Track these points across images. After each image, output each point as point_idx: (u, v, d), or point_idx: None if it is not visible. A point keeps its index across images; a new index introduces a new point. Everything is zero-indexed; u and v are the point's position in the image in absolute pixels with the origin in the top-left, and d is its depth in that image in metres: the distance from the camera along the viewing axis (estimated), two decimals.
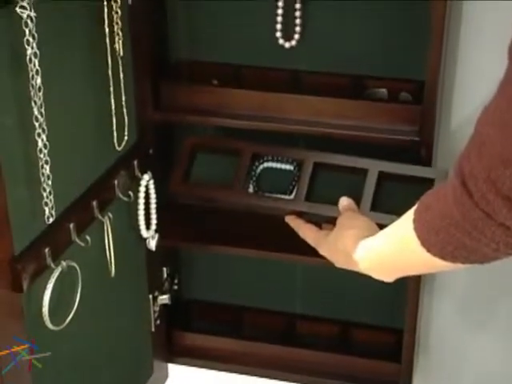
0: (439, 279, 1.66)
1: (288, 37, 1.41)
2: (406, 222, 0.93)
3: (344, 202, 1.28)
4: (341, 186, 1.33)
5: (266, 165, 1.40)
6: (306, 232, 1.31)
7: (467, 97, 1.47)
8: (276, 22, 1.41)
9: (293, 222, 1.34)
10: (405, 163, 1.33)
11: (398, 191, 1.32)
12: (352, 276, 1.38)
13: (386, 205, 1.29)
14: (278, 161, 1.39)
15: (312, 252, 1.29)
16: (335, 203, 1.29)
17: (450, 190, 0.83)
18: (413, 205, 0.93)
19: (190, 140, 1.41)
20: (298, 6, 1.39)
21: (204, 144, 1.42)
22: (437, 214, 0.86)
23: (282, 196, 1.36)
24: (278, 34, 1.42)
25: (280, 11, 1.40)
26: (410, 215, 0.93)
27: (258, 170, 1.40)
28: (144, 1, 1.31)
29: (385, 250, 1.05)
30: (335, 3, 1.39)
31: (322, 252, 1.27)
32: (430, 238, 0.89)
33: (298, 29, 1.41)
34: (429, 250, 0.90)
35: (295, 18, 1.40)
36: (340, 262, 1.20)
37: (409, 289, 1.46)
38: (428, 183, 1.28)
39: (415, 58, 1.38)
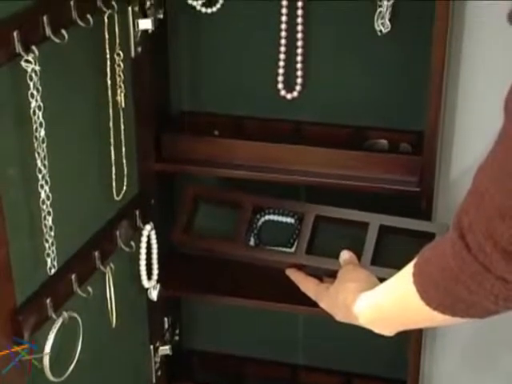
0: (441, 330, 1.65)
1: (290, 88, 1.43)
2: (405, 276, 0.93)
3: (345, 255, 1.28)
4: (342, 239, 1.33)
5: (267, 217, 1.41)
6: (307, 285, 1.31)
7: (467, 147, 1.48)
8: (278, 74, 1.42)
9: (293, 274, 1.34)
10: (405, 214, 1.33)
11: (399, 245, 1.32)
12: (354, 327, 1.38)
13: (387, 258, 1.29)
14: (279, 214, 1.40)
15: (313, 302, 1.29)
16: (336, 256, 1.29)
17: (448, 243, 0.83)
18: (413, 258, 0.93)
19: (190, 189, 1.42)
20: (299, 58, 1.41)
21: (205, 194, 1.43)
22: (436, 267, 0.87)
23: (283, 249, 1.37)
24: (280, 86, 1.43)
25: (281, 63, 1.41)
26: (409, 269, 0.93)
27: (260, 223, 1.40)
28: (146, 54, 1.33)
29: (385, 303, 1.05)
30: (336, 55, 1.41)
31: (322, 305, 1.26)
32: (430, 291, 0.89)
33: (299, 80, 1.42)
34: (428, 304, 0.90)
35: (296, 69, 1.42)
36: (340, 316, 1.20)
37: (411, 340, 1.45)
38: (429, 237, 1.28)
39: (415, 109, 1.39)
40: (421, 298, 0.90)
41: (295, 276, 1.33)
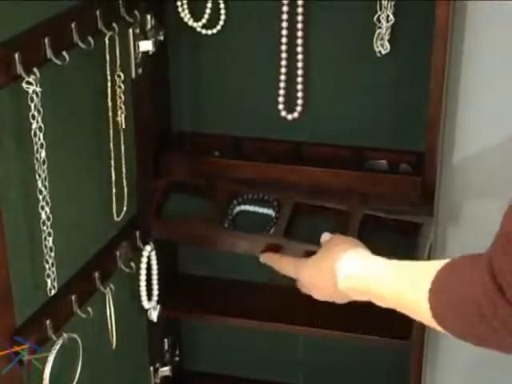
0: (442, 353, 1.65)
1: (290, 109, 1.43)
2: (419, 287, 0.91)
3: (326, 237, 1.22)
4: (322, 229, 1.27)
5: (242, 207, 1.36)
6: (284, 263, 1.24)
7: (467, 165, 1.49)
8: (278, 95, 1.43)
9: (268, 257, 1.28)
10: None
11: (382, 238, 1.28)
12: (355, 348, 1.38)
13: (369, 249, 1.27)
14: (255, 203, 1.34)
15: (313, 323, 1.28)
16: (317, 243, 1.23)
17: (478, 279, 0.81)
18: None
19: (164, 180, 1.39)
20: (299, 79, 1.41)
21: (179, 181, 1.39)
22: (460, 298, 0.84)
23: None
24: (281, 107, 1.44)
25: (282, 84, 1.42)
26: (425, 283, 0.90)
27: (235, 212, 1.36)
28: (147, 75, 1.33)
29: (381, 289, 1.02)
30: (336, 76, 1.41)
31: (302, 279, 1.20)
32: (447, 316, 0.87)
33: (299, 101, 1.43)
34: (440, 324, 0.88)
35: (297, 90, 1.42)
36: (321, 288, 1.14)
37: (411, 362, 1.44)
38: (413, 232, 1.26)
39: (414, 129, 1.40)
40: (433, 316, 0.89)
41: (270, 258, 1.27)
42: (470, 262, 0.86)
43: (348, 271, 1.08)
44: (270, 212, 1.36)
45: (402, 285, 0.98)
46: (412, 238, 1.27)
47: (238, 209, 1.38)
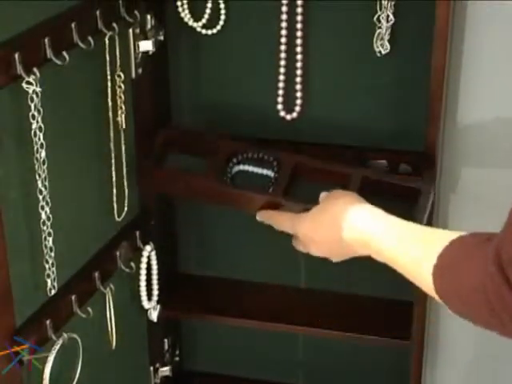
0: (442, 353, 1.65)
1: (289, 109, 1.43)
2: (425, 259, 0.89)
3: (324, 195, 1.20)
4: (321, 192, 1.24)
5: (241, 167, 1.34)
6: (281, 219, 1.22)
7: (466, 165, 1.49)
8: (277, 95, 1.43)
9: (265, 214, 1.25)
10: None
11: (381, 202, 1.28)
12: (355, 348, 1.38)
13: None
14: (255, 163, 1.32)
15: (313, 323, 1.28)
16: (316, 202, 1.21)
17: (485, 269, 0.79)
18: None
19: (161, 135, 1.37)
20: (298, 79, 1.41)
21: (176, 138, 1.37)
22: (467, 286, 0.83)
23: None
24: (280, 107, 1.44)
25: (281, 84, 1.42)
26: (431, 257, 0.88)
27: (234, 171, 1.34)
28: (147, 75, 1.33)
29: (384, 247, 1.00)
30: (335, 76, 1.41)
31: (300, 234, 1.17)
32: (451, 299, 0.86)
33: (299, 101, 1.43)
34: (443, 301, 0.88)
35: (296, 90, 1.42)
36: (318, 242, 1.12)
37: (411, 362, 1.44)
38: (413, 197, 1.26)
39: (414, 129, 1.39)
40: (436, 293, 0.88)
41: (267, 215, 1.25)
42: (478, 245, 0.84)
43: (354, 223, 1.06)
44: (269, 173, 1.33)
45: (406, 250, 0.97)
46: (411, 204, 1.25)
47: (236, 168, 1.35)
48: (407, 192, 1.27)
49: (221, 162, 1.32)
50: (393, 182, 1.28)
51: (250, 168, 1.35)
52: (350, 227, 1.07)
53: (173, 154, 1.38)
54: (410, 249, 0.96)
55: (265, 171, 1.34)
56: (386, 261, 1.02)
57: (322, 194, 1.20)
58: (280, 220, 1.23)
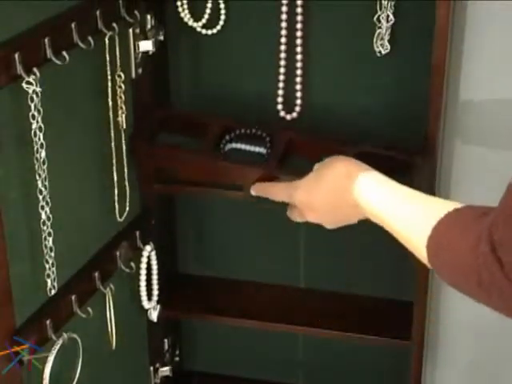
0: (442, 353, 1.65)
1: (289, 109, 1.43)
2: (421, 230, 0.90)
3: (319, 164, 1.17)
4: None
5: (234, 145, 1.33)
6: (275, 189, 1.21)
7: (466, 165, 1.49)
8: (277, 95, 1.43)
9: (259, 187, 1.24)
10: None
11: None
12: (355, 348, 1.38)
13: None
14: (247, 141, 1.31)
15: (313, 323, 1.28)
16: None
17: (477, 247, 0.80)
18: None
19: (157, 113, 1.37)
20: (298, 79, 1.41)
21: (170, 116, 1.37)
22: (459, 260, 0.84)
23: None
24: (279, 107, 1.44)
25: (281, 84, 1.42)
26: (426, 228, 0.89)
27: (226, 149, 1.33)
28: (147, 75, 1.33)
29: (390, 216, 1.00)
30: (335, 76, 1.41)
31: (297, 200, 1.15)
32: (444, 270, 0.88)
33: (298, 101, 1.43)
34: (436, 272, 0.89)
35: (296, 90, 1.42)
36: (316, 207, 1.11)
37: (411, 362, 1.44)
38: (409, 171, 1.24)
39: (414, 128, 1.39)
40: (430, 264, 0.89)
41: (261, 187, 1.24)
42: (473, 220, 0.85)
43: (358, 186, 1.05)
44: (262, 150, 1.32)
45: (405, 217, 0.97)
46: (408, 179, 1.24)
47: (229, 146, 1.34)
48: (404, 166, 1.25)
49: (213, 140, 1.31)
50: (389, 156, 1.26)
51: (243, 146, 1.34)
52: (356, 190, 1.06)
53: (164, 135, 1.38)
54: (409, 217, 0.96)
55: (257, 148, 1.33)
56: (384, 225, 1.02)
57: (316, 165, 1.18)
58: (275, 190, 1.21)
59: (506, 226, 0.78)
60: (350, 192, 1.06)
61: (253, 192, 1.26)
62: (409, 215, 0.97)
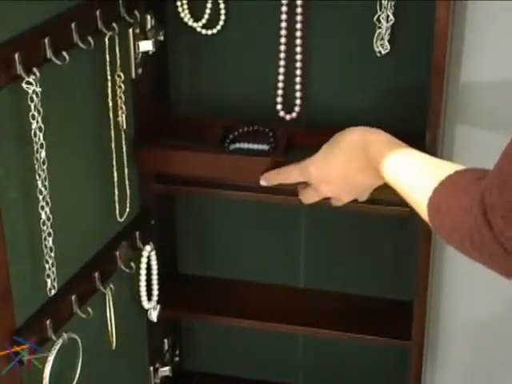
0: (442, 353, 1.65)
1: (288, 109, 1.43)
2: (424, 189, 0.94)
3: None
4: None
5: (237, 145, 1.35)
6: (287, 171, 1.22)
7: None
8: (277, 95, 1.43)
9: (269, 175, 1.26)
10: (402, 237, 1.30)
11: None
12: (355, 348, 1.37)
13: None
14: (250, 138, 1.33)
15: (313, 323, 1.28)
16: None
17: (470, 208, 0.83)
18: None
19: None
20: (298, 79, 1.41)
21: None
22: (454, 220, 0.87)
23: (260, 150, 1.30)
24: (279, 107, 1.44)
25: (280, 84, 1.42)
26: (427, 190, 0.93)
27: (231, 149, 1.35)
28: (147, 75, 1.33)
29: (402, 179, 1.03)
30: (335, 76, 1.41)
31: (311, 174, 1.17)
32: (441, 230, 0.91)
33: (298, 101, 1.43)
34: (434, 229, 0.93)
35: (295, 90, 1.42)
36: (330, 178, 1.14)
37: (411, 362, 1.44)
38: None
39: (414, 129, 1.40)
40: (429, 222, 0.93)
41: (271, 174, 1.25)
42: (470, 184, 0.87)
43: (374, 147, 1.10)
44: (265, 147, 1.33)
45: (413, 179, 1.00)
46: None
47: (233, 146, 1.35)
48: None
49: (216, 141, 1.32)
50: None
51: (246, 145, 1.35)
52: (373, 159, 1.09)
53: (165, 138, 1.39)
54: (416, 180, 1.00)
55: (261, 146, 1.34)
56: (397, 189, 1.05)
57: (325, 144, 1.19)
58: (287, 172, 1.22)
59: (497, 190, 0.80)
60: (365, 160, 1.10)
61: (263, 182, 1.27)
62: (416, 178, 1.00)
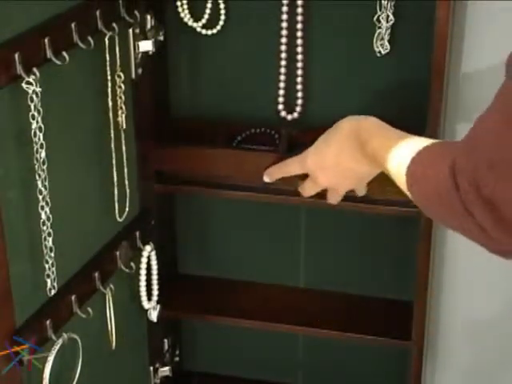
0: (442, 353, 1.65)
1: (290, 109, 1.43)
2: (403, 161, 0.96)
3: None
4: None
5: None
6: (287, 164, 1.26)
7: None
8: (278, 95, 1.43)
9: (271, 169, 1.29)
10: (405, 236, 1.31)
11: None
12: (355, 348, 1.37)
13: None
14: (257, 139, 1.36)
15: (313, 323, 1.29)
16: None
17: (442, 173, 0.85)
18: None
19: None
20: (299, 79, 1.41)
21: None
22: (428, 187, 0.90)
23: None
24: (280, 107, 1.44)
25: (282, 84, 1.42)
26: (406, 159, 0.95)
27: None
28: (147, 75, 1.33)
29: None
30: (336, 76, 1.41)
31: (309, 164, 1.21)
32: (419, 199, 0.93)
33: (299, 101, 1.43)
34: (413, 199, 0.95)
35: (297, 90, 1.42)
36: (328, 167, 1.17)
37: (411, 362, 1.44)
38: None
39: (415, 129, 1.39)
40: (408, 190, 0.95)
41: (273, 169, 1.29)
42: (445, 150, 0.91)
43: (367, 130, 1.12)
44: (271, 149, 1.36)
45: (395, 156, 1.02)
46: None
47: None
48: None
49: (224, 142, 1.35)
50: None
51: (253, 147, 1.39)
52: (363, 137, 1.12)
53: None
54: (398, 155, 1.01)
55: (267, 148, 1.36)
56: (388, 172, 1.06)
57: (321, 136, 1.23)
58: (287, 165, 1.26)
59: (467, 156, 0.82)
60: (358, 148, 1.12)
61: (266, 178, 1.30)
62: (399, 153, 1.01)
